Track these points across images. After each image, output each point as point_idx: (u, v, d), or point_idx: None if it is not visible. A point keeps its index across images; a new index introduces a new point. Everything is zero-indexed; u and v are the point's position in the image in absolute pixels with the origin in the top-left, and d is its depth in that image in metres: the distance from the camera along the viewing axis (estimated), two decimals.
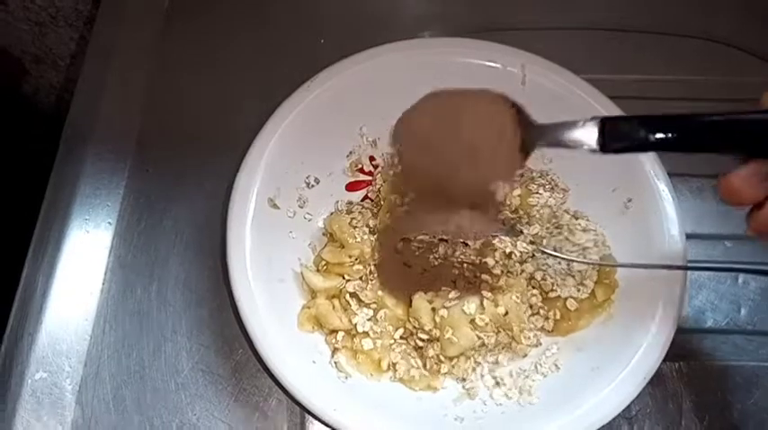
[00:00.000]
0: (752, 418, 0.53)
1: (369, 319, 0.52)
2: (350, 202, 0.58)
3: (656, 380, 0.52)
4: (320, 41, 0.64)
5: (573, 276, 0.54)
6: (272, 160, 0.54)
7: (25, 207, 0.58)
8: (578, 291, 0.53)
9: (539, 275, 0.53)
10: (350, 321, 0.52)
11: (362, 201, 0.58)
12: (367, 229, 0.55)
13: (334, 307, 0.52)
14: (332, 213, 0.57)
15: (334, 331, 0.52)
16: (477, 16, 0.65)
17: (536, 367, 0.51)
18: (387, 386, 0.51)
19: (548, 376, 0.51)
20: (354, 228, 0.55)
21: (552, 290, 0.53)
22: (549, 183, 0.57)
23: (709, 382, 0.54)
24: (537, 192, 0.56)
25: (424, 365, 0.51)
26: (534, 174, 0.58)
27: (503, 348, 0.52)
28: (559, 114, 0.55)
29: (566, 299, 0.53)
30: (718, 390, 0.53)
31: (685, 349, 0.54)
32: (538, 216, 0.56)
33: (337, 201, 0.58)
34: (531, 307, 0.53)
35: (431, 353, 0.51)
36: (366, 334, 0.52)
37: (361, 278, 0.54)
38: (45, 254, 0.55)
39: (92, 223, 0.57)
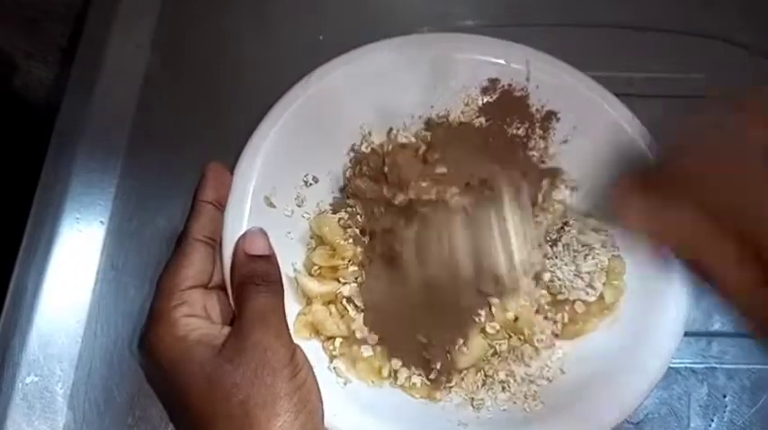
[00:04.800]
0: (759, 422, 0.52)
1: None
2: (335, 199, 0.56)
3: (664, 384, 0.52)
4: (319, 38, 0.63)
5: (581, 278, 0.52)
6: (269, 158, 0.53)
7: (15, 205, 0.57)
8: (587, 293, 0.52)
9: (546, 277, 0.52)
10: (347, 327, 0.51)
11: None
12: (357, 230, 0.53)
13: (330, 313, 0.51)
14: (317, 214, 0.55)
15: (332, 338, 0.51)
16: (478, 13, 0.64)
17: (541, 372, 0.50)
18: (388, 391, 0.50)
19: (553, 381, 0.50)
20: (345, 228, 0.53)
21: (560, 292, 0.52)
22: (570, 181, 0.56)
23: (716, 386, 0.53)
24: (557, 187, 0.56)
25: (428, 376, 0.50)
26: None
27: (515, 356, 0.51)
28: (564, 110, 0.56)
29: (574, 301, 0.52)
30: (726, 394, 0.53)
31: (693, 352, 0.54)
32: (551, 210, 0.55)
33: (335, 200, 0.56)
34: (538, 310, 0.52)
35: (438, 364, 0.50)
36: (364, 340, 0.51)
37: (356, 280, 0.52)
38: (36, 254, 0.54)
39: (83, 222, 0.56)
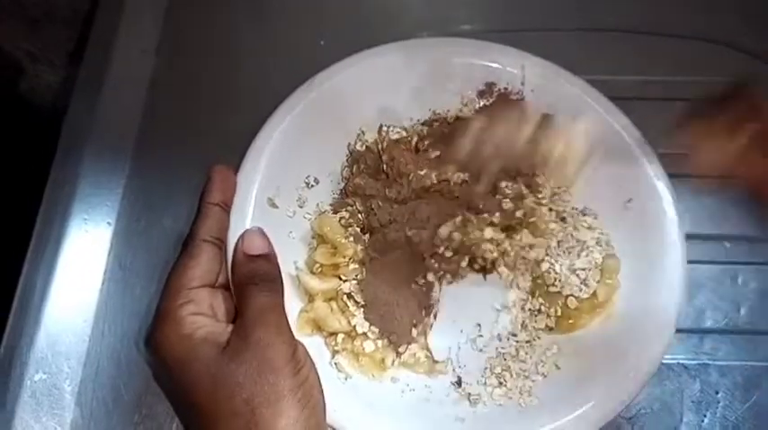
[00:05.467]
0: (752, 419, 0.53)
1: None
2: (335, 199, 0.57)
3: (656, 380, 0.53)
4: (320, 43, 0.63)
5: (576, 274, 0.54)
6: (272, 160, 0.54)
7: (24, 207, 0.57)
8: (580, 290, 0.53)
9: (545, 266, 0.54)
10: (348, 322, 0.52)
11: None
12: (358, 228, 0.55)
13: (332, 309, 0.52)
14: (319, 214, 0.56)
15: (334, 334, 0.52)
16: (476, 18, 0.65)
17: (536, 367, 0.51)
18: (388, 387, 0.51)
19: (548, 376, 0.51)
20: (345, 227, 0.54)
21: (553, 284, 0.53)
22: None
23: (708, 382, 0.54)
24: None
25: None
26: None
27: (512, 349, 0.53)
28: (559, 115, 0.57)
29: (567, 296, 0.53)
30: (719, 390, 0.53)
31: (685, 349, 0.54)
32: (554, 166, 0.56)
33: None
34: (533, 295, 0.54)
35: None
36: (365, 335, 0.52)
37: (356, 277, 0.53)
38: (44, 254, 0.55)
39: (91, 223, 0.56)
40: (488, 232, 0.52)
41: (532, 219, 0.54)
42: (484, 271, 0.54)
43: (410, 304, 0.53)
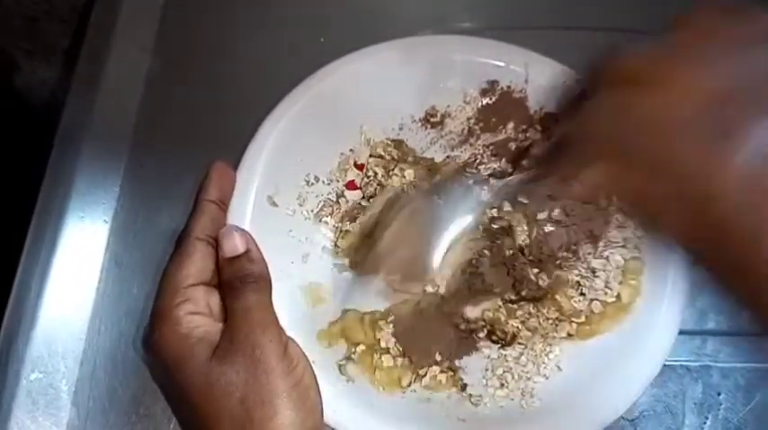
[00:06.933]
0: (754, 421, 0.53)
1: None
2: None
3: (659, 382, 0.52)
4: (320, 40, 0.63)
5: (597, 277, 0.53)
6: (271, 158, 0.54)
7: (20, 205, 0.57)
8: (605, 293, 0.52)
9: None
10: (374, 336, 0.51)
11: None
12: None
13: (362, 320, 0.52)
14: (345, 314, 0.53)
15: (356, 343, 0.51)
16: (479, 15, 0.65)
17: (538, 369, 0.51)
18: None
19: (550, 378, 0.51)
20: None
21: (581, 294, 0.53)
22: None
23: (710, 384, 0.53)
24: None
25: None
26: None
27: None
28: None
29: (591, 301, 0.52)
30: (721, 392, 0.53)
31: (688, 350, 0.54)
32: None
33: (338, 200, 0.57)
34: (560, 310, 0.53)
35: None
36: (387, 350, 0.51)
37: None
38: (40, 252, 0.54)
39: (87, 221, 0.56)
40: (519, 312, 0.52)
41: (558, 297, 0.52)
42: (504, 342, 0.52)
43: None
